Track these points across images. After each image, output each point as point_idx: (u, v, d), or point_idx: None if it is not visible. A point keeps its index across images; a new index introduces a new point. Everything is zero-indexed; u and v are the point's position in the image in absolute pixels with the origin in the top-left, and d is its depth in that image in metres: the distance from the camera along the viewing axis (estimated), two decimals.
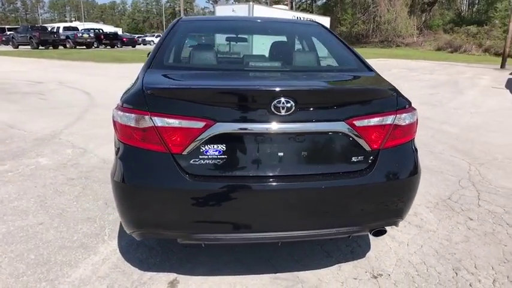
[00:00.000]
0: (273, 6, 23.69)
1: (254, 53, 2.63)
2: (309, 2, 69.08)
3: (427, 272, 2.26)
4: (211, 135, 1.71)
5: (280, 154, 1.79)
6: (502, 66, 16.88)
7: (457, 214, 3.00)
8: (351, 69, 2.32)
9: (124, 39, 35.24)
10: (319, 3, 63.81)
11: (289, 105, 1.71)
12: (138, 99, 1.77)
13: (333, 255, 2.40)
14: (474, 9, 45.31)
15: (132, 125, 1.77)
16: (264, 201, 1.78)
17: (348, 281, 2.16)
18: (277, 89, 1.71)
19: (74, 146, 4.49)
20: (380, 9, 39.60)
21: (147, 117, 1.74)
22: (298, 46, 2.73)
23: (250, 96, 1.73)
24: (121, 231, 2.59)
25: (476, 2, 42.62)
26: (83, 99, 7.67)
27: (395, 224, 2.06)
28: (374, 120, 1.84)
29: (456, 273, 2.26)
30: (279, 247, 2.41)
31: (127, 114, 1.78)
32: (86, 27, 36.31)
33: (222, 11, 19.77)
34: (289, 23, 3.57)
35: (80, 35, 30.08)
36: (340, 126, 1.79)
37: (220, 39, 2.90)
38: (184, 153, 1.74)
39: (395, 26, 37.78)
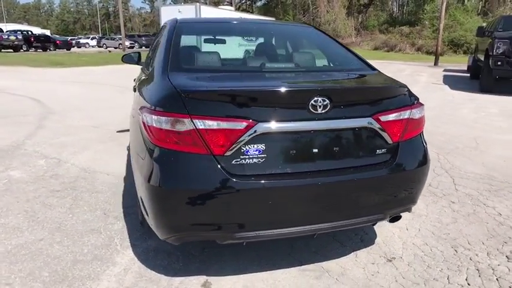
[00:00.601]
0: (219, 7, 23.67)
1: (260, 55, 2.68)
2: (248, 3, 69.77)
3: (431, 252, 2.47)
4: (253, 135, 1.75)
5: (315, 151, 1.88)
6: (435, 63, 18.39)
7: (440, 199, 3.29)
8: (357, 68, 2.47)
9: (57, 42, 33.13)
10: (258, 4, 64.62)
11: (325, 103, 1.80)
12: (176, 103, 1.76)
13: (346, 244, 2.53)
14: (404, 11, 48.60)
15: (171, 128, 1.75)
16: (302, 196, 1.85)
17: (367, 266, 2.30)
18: (315, 88, 1.80)
19: (45, 156, 4.22)
20: (320, 11, 41.11)
21: (187, 120, 1.73)
22: (303, 47, 2.83)
23: (290, 96, 1.80)
24: (132, 240, 2.52)
25: (406, 3, 45.72)
26: (35, 107, 7.17)
27: (409, 209, 2.23)
28: (395, 115, 2.00)
29: (456, 251, 2.50)
30: (295, 241, 2.49)
31: (164, 118, 1.76)
32: (9, 29, 33.47)
33: (168, 12, 19.36)
34: (285, 25, 3.65)
35: (6, 37, 27.61)
36: (368, 122, 1.92)
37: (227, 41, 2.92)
38: (227, 154, 1.76)
39: (335, 26, 39.42)
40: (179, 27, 2.61)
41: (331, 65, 2.68)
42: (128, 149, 4.49)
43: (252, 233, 1.87)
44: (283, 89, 1.80)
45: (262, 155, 1.80)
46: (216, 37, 2.88)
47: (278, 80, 2.17)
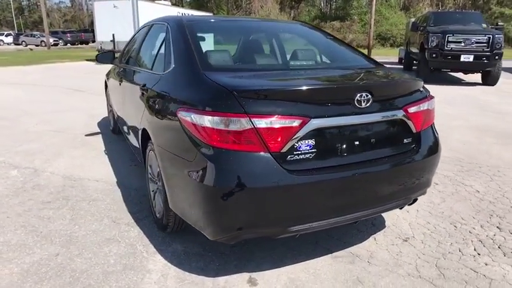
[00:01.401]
0: (156, 1, 22.83)
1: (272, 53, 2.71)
2: None
3: (436, 229, 2.73)
4: (307, 131, 1.82)
5: (357, 143, 2.00)
6: None
7: None
8: (369, 64, 2.63)
9: None
10: None
11: (367, 98, 1.92)
12: (232, 103, 1.76)
13: (362, 230, 2.70)
14: (332, 7, 50.88)
15: (229, 128, 1.75)
16: (349, 186, 1.96)
17: (389, 247, 2.48)
18: (360, 84, 1.90)
19: (15, 166, 3.86)
20: (254, 6, 41.58)
21: (245, 119, 1.75)
22: (313, 45, 2.91)
23: (340, 92, 1.89)
24: (156, 245, 2.45)
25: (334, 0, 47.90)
26: None
27: (425, 192, 2.45)
28: (418, 107, 2.18)
29: (455, 226, 2.79)
30: (318, 232, 2.60)
31: (222, 118, 1.75)
32: None
33: (102, 7, 18.31)
34: (284, 23, 3.68)
35: None
36: (400, 114, 2.08)
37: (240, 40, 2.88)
38: (283, 151, 1.81)
39: None
40: (189, 27, 2.56)
41: (349, 61, 2.79)
42: (106, 153, 4.28)
43: (305, 226, 1.93)
44: (334, 86, 1.88)
45: (313, 150, 1.88)
46: (232, 36, 2.85)
47: (318, 77, 2.24)
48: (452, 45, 9.76)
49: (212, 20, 3.06)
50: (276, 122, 1.77)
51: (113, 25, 17.68)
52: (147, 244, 2.47)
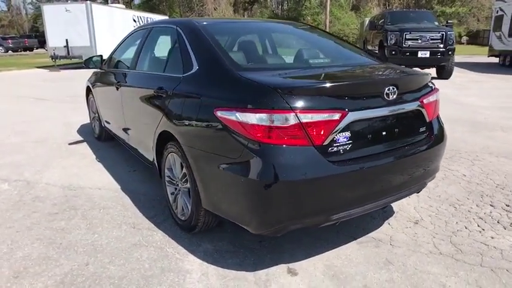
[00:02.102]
0: (109, 5, 22.10)
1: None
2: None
3: (439, 211, 2.96)
4: (346, 124, 1.94)
5: (384, 133, 2.15)
6: None
7: None
8: (377, 61, 2.80)
9: None
10: (136, 1, 61.32)
11: (394, 91, 2.08)
12: (276, 100, 1.84)
13: (375, 216, 2.87)
14: (285, 8, 51.85)
15: (276, 124, 1.83)
16: (382, 173, 2.11)
17: (405, 230, 2.67)
18: (389, 78, 2.05)
19: (4, 179, 3.66)
20: (207, 8, 41.43)
21: (291, 115, 1.83)
22: (322, 43, 3.03)
23: (372, 86, 2.03)
24: (186, 246, 2.46)
25: (285, 1, 48.87)
26: None
27: (435, 177, 2.66)
28: (430, 98, 2.38)
29: (455, 207, 3.04)
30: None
31: (267, 115, 1.82)
32: None
33: (53, 11, 17.37)
34: (289, 24, 3.77)
35: None
36: (417, 105, 2.26)
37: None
38: (325, 143, 1.91)
39: None
40: (206, 28, 2.60)
41: (357, 59, 2.93)
42: (98, 160, 4.16)
43: (345, 213, 2.05)
44: (367, 81, 2.01)
45: (349, 141, 2.00)
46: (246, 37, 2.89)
47: (348, 73, 2.37)
48: (410, 43, 10.40)
49: (225, 22, 3.09)
50: (319, 116, 1.88)
51: (66, 30, 16.90)
52: (175, 246, 2.47)
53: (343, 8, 34.01)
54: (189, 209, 2.46)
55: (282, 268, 2.24)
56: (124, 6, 23.91)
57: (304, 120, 1.85)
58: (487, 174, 3.70)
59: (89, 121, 6.00)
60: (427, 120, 2.39)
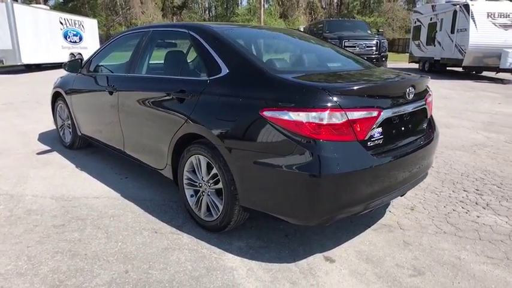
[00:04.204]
0: (32, 5, 20.33)
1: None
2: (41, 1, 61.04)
3: (425, 198, 3.35)
4: (381, 120, 2.17)
5: (403, 128, 2.43)
6: None
7: None
8: (371, 65, 3.10)
9: None
10: (51, 3, 56.80)
11: (412, 91, 2.37)
12: (326, 99, 2.01)
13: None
14: (213, 14, 52.11)
15: (327, 122, 2.00)
16: (406, 163, 2.38)
17: (406, 216, 2.99)
18: (411, 79, 2.33)
19: None
20: (135, 12, 40.06)
21: (340, 113, 2.02)
22: (327, 50, 3.23)
23: (400, 87, 2.29)
24: (219, 245, 2.51)
25: (214, 7, 49.18)
26: None
27: (431, 167, 3.02)
28: (429, 98, 2.73)
29: (436, 194, 3.46)
30: None
31: (320, 113, 1.99)
32: None
33: None
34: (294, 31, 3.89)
35: None
36: (424, 103, 2.59)
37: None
38: (365, 138, 2.13)
39: None
40: (227, 33, 2.68)
41: (362, 63, 3.18)
42: (80, 169, 3.95)
43: (379, 201, 2.28)
44: (396, 82, 2.27)
45: (381, 136, 2.24)
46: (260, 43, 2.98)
47: (374, 75, 2.60)
48: (348, 50, 11.22)
49: (236, 28, 3.15)
50: (362, 113, 2.09)
51: None
52: (208, 247, 2.50)
53: (272, 16, 35.23)
54: (220, 209, 2.51)
55: (318, 257, 2.40)
56: (48, 8, 22.22)
57: (350, 118, 2.05)
58: (450, 165, 4.24)
59: (45, 129, 5.62)
60: (428, 117, 2.74)
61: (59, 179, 3.67)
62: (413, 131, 2.55)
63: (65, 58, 19.73)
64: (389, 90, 2.29)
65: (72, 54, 20.38)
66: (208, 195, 2.62)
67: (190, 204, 2.77)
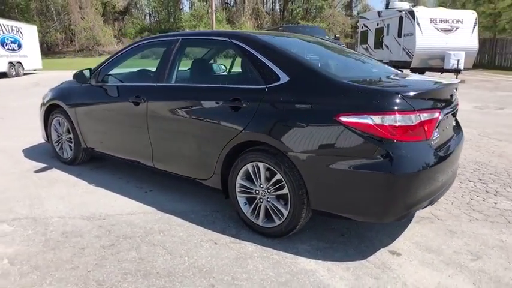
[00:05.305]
0: None
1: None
2: None
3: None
4: (439, 121, 2.37)
5: (447, 127, 2.66)
6: None
7: None
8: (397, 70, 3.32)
9: None
10: None
11: (455, 93, 2.60)
12: (404, 103, 2.16)
13: None
14: (156, 19, 50.88)
15: (407, 124, 2.15)
16: (453, 158, 2.60)
17: (436, 207, 3.23)
18: (454, 83, 2.56)
19: (1, 220, 3.03)
20: (73, 17, 37.97)
21: (416, 115, 2.18)
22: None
23: (450, 90, 2.51)
24: (286, 250, 2.56)
25: (157, 12, 48.00)
26: None
27: None
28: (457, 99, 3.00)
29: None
30: None
31: (401, 116, 2.14)
32: None
33: None
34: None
35: None
36: (456, 104, 2.85)
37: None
38: (430, 138, 2.31)
39: (95, 34, 37.48)
40: (271, 41, 2.74)
41: (392, 69, 3.36)
42: (94, 185, 3.75)
43: (438, 195, 2.48)
44: (450, 86, 2.47)
45: (438, 135, 2.44)
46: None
47: (423, 80, 2.79)
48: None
49: (277, 37, 3.17)
50: (429, 115, 2.27)
51: None
52: (276, 253, 2.53)
53: (219, 22, 35.30)
54: (285, 214, 2.55)
55: (384, 252, 2.54)
56: None
57: (423, 119, 2.22)
58: None
59: (26, 145, 5.23)
60: (455, 116, 3.01)
61: (77, 198, 3.45)
62: (450, 129, 2.79)
63: (2, 67, 18.20)
64: (444, 93, 2.50)
65: (11, 63, 18.86)
66: (268, 201, 2.65)
67: (245, 212, 2.78)
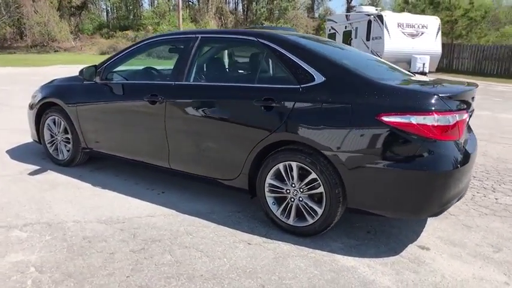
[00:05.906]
0: None
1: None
2: None
3: None
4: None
5: (467, 128, 2.81)
6: None
7: None
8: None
9: None
10: None
11: (475, 95, 2.76)
12: (443, 104, 2.27)
13: None
14: (114, 15, 49.08)
15: (447, 124, 2.27)
16: (474, 156, 2.76)
17: None
18: (475, 87, 2.71)
19: (10, 226, 2.82)
20: (26, 11, 35.76)
21: (451, 116, 2.30)
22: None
23: (473, 92, 2.64)
24: (322, 248, 2.59)
25: (116, 9, 46.27)
26: None
27: None
28: None
29: None
30: None
31: (442, 116, 2.25)
32: None
33: None
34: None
35: None
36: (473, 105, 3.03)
37: None
38: (461, 137, 2.44)
39: (50, 30, 35.53)
40: (301, 41, 2.78)
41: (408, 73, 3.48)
42: (101, 188, 3.60)
43: (464, 192, 2.62)
44: (471, 88, 2.61)
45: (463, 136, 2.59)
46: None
47: (440, 82, 2.91)
48: None
49: (302, 37, 3.17)
50: (462, 115, 2.40)
51: None
52: (313, 251, 2.56)
53: (184, 20, 34.74)
54: (319, 212, 2.59)
55: (413, 247, 2.65)
56: None
57: (459, 119, 2.34)
58: None
59: (9, 146, 4.90)
60: None
61: (87, 201, 3.29)
62: (466, 130, 2.96)
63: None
64: (470, 94, 2.65)
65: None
66: (300, 200, 2.67)
67: (274, 212, 2.78)
